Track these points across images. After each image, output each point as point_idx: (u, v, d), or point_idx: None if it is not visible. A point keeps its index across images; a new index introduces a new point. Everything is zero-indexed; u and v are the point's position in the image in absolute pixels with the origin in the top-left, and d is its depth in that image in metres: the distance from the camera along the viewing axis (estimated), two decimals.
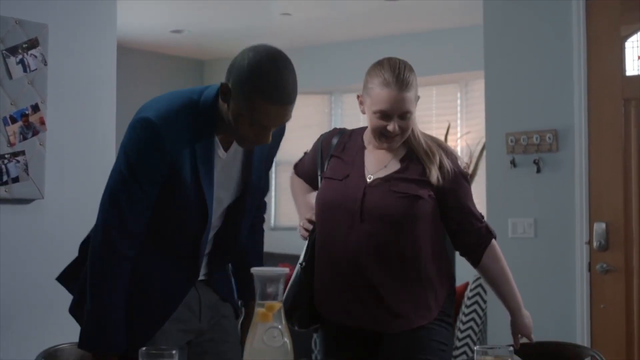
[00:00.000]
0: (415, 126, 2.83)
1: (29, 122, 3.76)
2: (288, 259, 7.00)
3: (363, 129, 2.94)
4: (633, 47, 4.45)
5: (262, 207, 2.83)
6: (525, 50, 4.68)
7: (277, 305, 1.89)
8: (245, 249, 2.72)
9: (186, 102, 2.41)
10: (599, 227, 4.41)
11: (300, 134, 6.10)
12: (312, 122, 8.24)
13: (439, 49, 7.58)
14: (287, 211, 8.26)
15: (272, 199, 8.62)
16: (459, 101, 7.67)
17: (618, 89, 4.42)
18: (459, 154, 6.07)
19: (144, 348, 2.01)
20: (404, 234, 2.76)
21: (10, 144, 3.71)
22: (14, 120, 3.73)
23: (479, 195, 3.40)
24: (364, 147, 2.90)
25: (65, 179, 3.97)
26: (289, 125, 2.57)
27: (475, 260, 2.86)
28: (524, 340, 2.87)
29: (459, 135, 7.70)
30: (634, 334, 4.34)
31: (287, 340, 1.89)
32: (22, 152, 3.75)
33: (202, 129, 2.40)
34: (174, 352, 1.99)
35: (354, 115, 8.21)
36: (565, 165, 4.51)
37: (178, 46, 8.39)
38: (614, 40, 4.45)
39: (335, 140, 2.96)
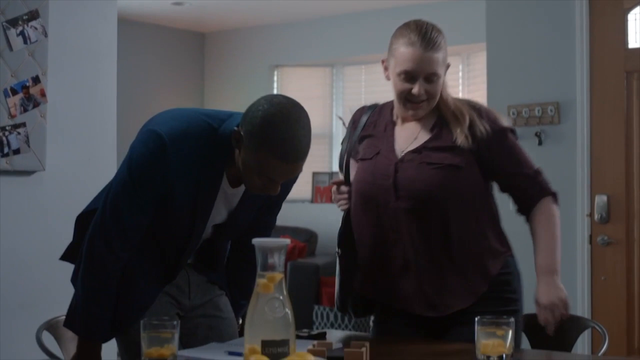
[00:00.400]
0: (446, 92, 2.63)
1: (29, 94, 3.76)
2: (289, 231, 7.03)
3: (393, 103, 2.72)
4: (636, 20, 4.42)
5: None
6: (528, 22, 4.66)
7: (279, 276, 1.89)
8: (234, 286, 2.72)
9: (204, 127, 2.34)
10: (600, 199, 4.41)
11: None
12: (314, 95, 8.22)
13: (441, 21, 7.44)
14: None
15: None
16: (460, 73, 7.63)
17: (620, 61, 4.40)
18: None
19: (145, 319, 2.03)
20: (444, 210, 2.54)
21: (11, 116, 3.71)
22: (14, 92, 3.72)
23: None
24: (393, 122, 2.69)
25: (66, 150, 3.97)
26: None
27: (526, 218, 2.68)
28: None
29: None
30: (634, 305, 4.35)
31: (288, 310, 1.88)
32: (23, 124, 3.74)
33: (213, 160, 2.35)
34: (175, 322, 2.01)
35: (355, 88, 8.20)
36: (567, 138, 4.50)
37: (179, 18, 8.34)
38: (616, 12, 4.42)
39: (364, 119, 2.76)
